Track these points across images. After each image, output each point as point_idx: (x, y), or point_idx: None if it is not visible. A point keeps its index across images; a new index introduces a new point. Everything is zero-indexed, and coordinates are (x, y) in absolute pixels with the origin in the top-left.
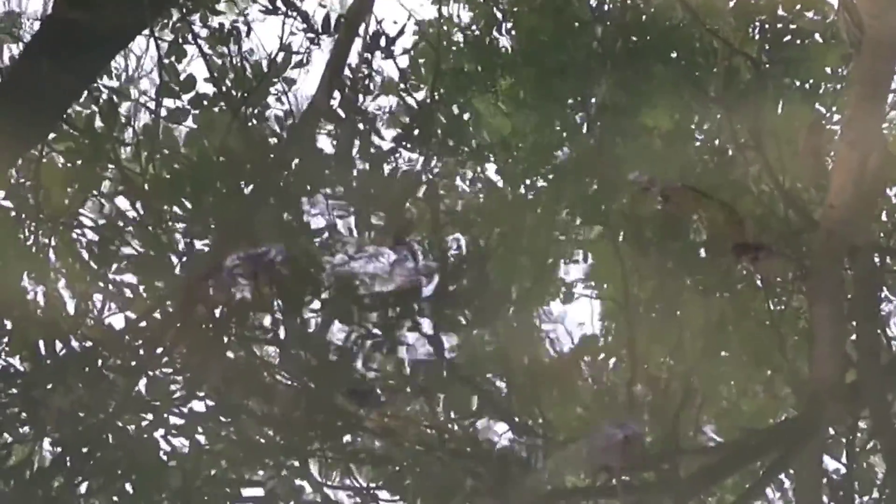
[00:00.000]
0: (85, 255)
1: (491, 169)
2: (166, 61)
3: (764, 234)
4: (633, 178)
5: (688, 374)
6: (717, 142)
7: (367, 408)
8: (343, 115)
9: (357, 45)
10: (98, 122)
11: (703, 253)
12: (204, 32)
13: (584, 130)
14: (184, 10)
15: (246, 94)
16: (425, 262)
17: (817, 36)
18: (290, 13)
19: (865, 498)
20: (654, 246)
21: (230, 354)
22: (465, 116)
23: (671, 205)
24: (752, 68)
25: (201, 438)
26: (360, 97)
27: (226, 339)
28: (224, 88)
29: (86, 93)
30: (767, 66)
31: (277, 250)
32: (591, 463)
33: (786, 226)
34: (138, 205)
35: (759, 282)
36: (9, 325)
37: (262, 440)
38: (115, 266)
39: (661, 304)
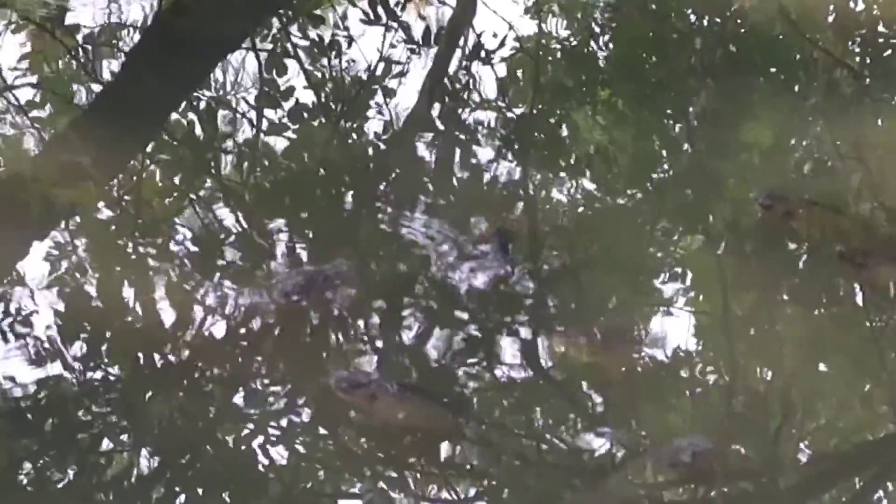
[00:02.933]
0: (184, 265)
1: (590, 181)
2: (266, 73)
3: (867, 245)
4: (754, 197)
5: (787, 388)
6: (817, 154)
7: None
8: (443, 126)
9: (457, 56)
10: (198, 132)
11: (804, 265)
12: (304, 43)
13: (684, 143)
14: (284, 21)
15: (345, 106)
16: (517, 256)
17: None
18: (390, 24)
19: None
20: (755, 258)
21: (329, 366)
22: (564, 128)
23: (797, 222)
24: (853, 81)
25: (299, 449)
26: (460, 108)
27: (324, 351)
28: (324, 99)
29: (186, 103)
30: (868, 79)
31: (336, 267)
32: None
33: (888, 238)
34: (238, 215)
35: (860, 296)
36: (109, 334)
37: (360, 451)
38: (214, 276)
39: (761, 317)
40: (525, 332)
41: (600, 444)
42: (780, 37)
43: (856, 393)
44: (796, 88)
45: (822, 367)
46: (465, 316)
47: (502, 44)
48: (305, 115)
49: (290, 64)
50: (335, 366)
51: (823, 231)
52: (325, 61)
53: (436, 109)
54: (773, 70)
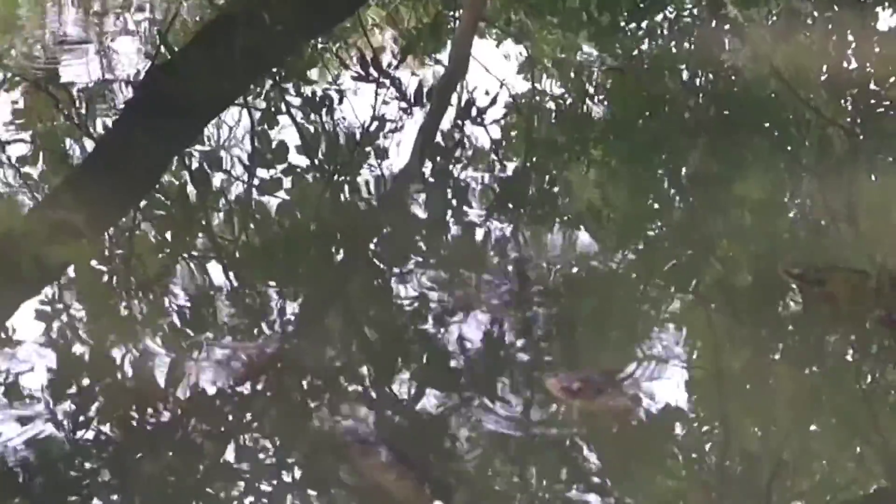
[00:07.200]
0: (176, 322)
1: (582, 239)
2: (259, 131)
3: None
4: (782, 268)
5: (779, 447)
6: (810, 213)
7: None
8: (435, 182)
9: (450, 113)
10: (190, 191)
11: (797, 325)
12: (297, 101)
13: (677, 200)
14: (277, 78)
15: (337, 163)
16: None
17: None
18: (382, 81)
19: None
20: (748, 316)
21: (320, 423)
22: (557, 185)
23: (827, 289)
24: (846, 140)
25: None
26: (452, 165)
27: (316, 408)
28: (316, 156)
29: (178, 161)
30: (861, 137)
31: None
32: None
33: (880, 298)
34: (230, 273)
35: (851, 355)
36: (100, 392)
37: None
38: (205, 334)
39: (754, 375)
40: (516, 384)
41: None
42: (773, 95)
43: (848, 452)
44: (789, 147)
45: (814, 426)
46: (457, 370)
47: (494, 101)
48: (298, 171)
49: (283, 120)
50: (327, 423)
51: (857, 296)
52: (317, 118)
53: (428, 166)
54: (765, 128)
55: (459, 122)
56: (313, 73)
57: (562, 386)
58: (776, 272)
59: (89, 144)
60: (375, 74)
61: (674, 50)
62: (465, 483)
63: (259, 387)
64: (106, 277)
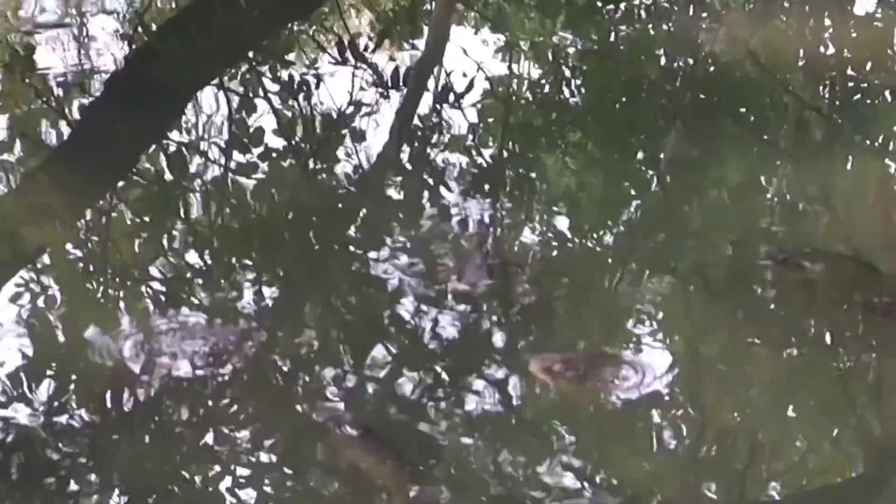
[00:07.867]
0: (152, 306)
1: (559, 222)
2: (236, 115)
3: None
4: (766, 252)
5: (759, 430)
6: (788, 197)
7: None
8: (412, 167)
9: (426, 97)
10: (167, 175)
11: (775, 308)
12: (274, 85)
13: (654, 185)
14: (254, 63)
15: (315, 147)
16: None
17: (888, 93)
18: (359, 65)
19: None
20: (725, 299)
21: (298, 406)
22: (534, 169)
23: (807, 275)
24: (823, 124)
25: (268, 491)
26: (429, 149)
27: (292, 391)
28: (293, 140)
29: (155, 145)
30: (838, 122)
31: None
32: None
33: (855, 280)
34: (207, 256)
35: (829, 338)
36: (76, 376)
37: (328, 493)
38: (182, 318)
39: (731, 358)
40: (495, 365)
41: (567, 487)
42: (751, 79)
43: (825, 435)
44: (766, 131)
45: (791, 409)
46: (435, 352)
47: (472, 85)
48: (275, 155)
49: (260, 104)
50: (304, 407)
51: (842, 281)
52: (294, 102)
53: (405, 150)
54: (742, 113)
55: (437, 105)
56: (290, 57)
57: (543, 366)
58: (757, 256)
59: (66, 129)
60: (352, 58)
61: (651, 33)
62: (444, 465)
63: (235, 371)
64: (81, 261)
